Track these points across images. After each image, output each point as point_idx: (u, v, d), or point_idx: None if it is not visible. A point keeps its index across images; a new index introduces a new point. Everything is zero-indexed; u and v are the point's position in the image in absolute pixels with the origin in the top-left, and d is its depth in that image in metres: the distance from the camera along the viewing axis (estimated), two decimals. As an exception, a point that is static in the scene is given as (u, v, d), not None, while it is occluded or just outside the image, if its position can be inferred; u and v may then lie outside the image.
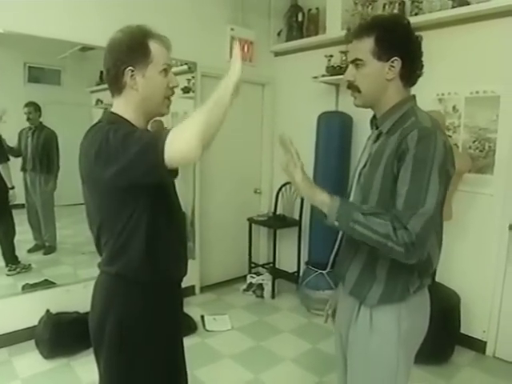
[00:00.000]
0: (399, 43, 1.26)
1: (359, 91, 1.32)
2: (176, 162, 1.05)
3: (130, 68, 1.21)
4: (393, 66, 1.26)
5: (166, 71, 1.27)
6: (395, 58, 1.25)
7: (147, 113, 1.30)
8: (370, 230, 1.16)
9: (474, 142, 2.94)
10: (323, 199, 1.24)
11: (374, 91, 1.31)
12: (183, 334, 1.55)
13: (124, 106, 1.26)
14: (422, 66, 1.31)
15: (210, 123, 1.05)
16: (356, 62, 1.30)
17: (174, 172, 1.11)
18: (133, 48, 1.21)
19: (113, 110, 1.28)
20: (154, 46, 1.23)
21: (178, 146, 1.03)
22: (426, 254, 1.20)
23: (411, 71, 1.29)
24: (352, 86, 1.34)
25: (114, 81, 1.25)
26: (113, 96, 1.29)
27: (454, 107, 3.01)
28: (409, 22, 1.29)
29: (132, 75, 1.22)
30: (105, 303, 1.28)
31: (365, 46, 1.27)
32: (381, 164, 1.25)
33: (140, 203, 1.22)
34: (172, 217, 1.36)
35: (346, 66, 3.69)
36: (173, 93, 1.32)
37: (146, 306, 1.27)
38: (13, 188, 3.20)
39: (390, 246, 1.14)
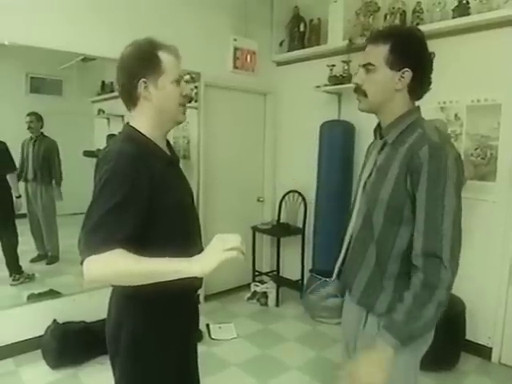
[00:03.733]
0: (413, 55, 1.27)
1: (365, 95, 1.33)
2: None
3: (143, 80, 1.23)
4: (403, 77, 1.27)
5: (178, 81, 1.29)
6: (407, 69, 1.26)
7: (163, 123, 1.31)
8: (416, 319, 1.18)
9: (476, 149, 2.97)
10: (388, 350, 1.20)
11: (381, 98, 1.32)
12: (196, 341, 1.56)
13: (140, 119, 1.28)
14: (430, 82, 1.33)
15: (120, 279, 1.10)
16: (368, 67, 1.31)
17: None
18: (144, 60, 1.23)
19: (130, 123, 1.30)
20: (163, 56, 1.25)
21: (86, 266, 1.06)
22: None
23: (420, 85, 1.31)
24: (359, 90, 1.35)
25: (128, 94, 1.27)
26: (129, 110, 1.31)
27: (455, 115, 3.06)
28: (424, 37, 1.30)
29: (145, 87, 1.23)
30: (120, 313, 1.29)
31: (379, 52, 1.28)
32: (388, 175, 1.26)
33: (155, 224, 1.21)
34: (190, 228, 1.38)
35: (349, 76, 3.72)
36: (186, 100, 1.34)
37: (161, 316, 1.28)
38: (20, 197, 3.21)
39: (439, 294, 1.17)
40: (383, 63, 1.28)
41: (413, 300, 1.18)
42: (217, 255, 1.04)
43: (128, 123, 1.30)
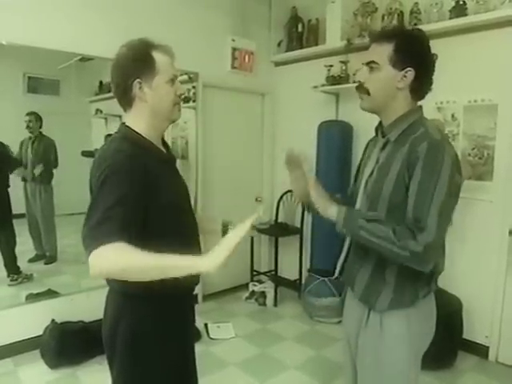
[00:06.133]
0: (416, 55, 1.29)
1: (368, 93, 1.34)
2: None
3: (137, 80, 1.23)
4: (405, 76, 1.29)
5: (172, 80, 1.30)
6: (409, 68, 1.27)
7: (158, 122, 1.32)
8: (373, 235, 1.22)
9: (473, 149, 2.98)
10: (332, 212, 1.32)
11: (383, 96, 1.33)
12: (194, 340, 1.57)
13: (136, 119, 1.29)
14: (432, 83, 1.34)
15: (129, 271, 1.05)
16: (371, 65, 1.32)
17: None
18: (138, 60, 1.24)
19: (126, 123, 1.31)
20: (158, 56, 1.26)
21: (92, 260, 1.03)
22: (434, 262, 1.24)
23: (421, 85, 1.32)
24: (361, 88, 1.36)
25: (123, 95, 1.27)
26: (125, 110, 1.32)
27: (452, 115, 3.07)
28: (427, 38, 1.32)
29: (140, 87, 1.24)
30: (117, 312, 1.30)
31: (383, 51, 1.29)
32: (390, 173, 1.28)
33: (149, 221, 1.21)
34: (187, 228, 1.39)
35: (347, 76, 3.73)
36: (181, 100, 1.35)
37: (158, 314, 1.29)
38: None
39: (396, 252, 1.19)
40: (387, 62, 1.29)
41: (389, 230, 1.20)
42: (222, 252, 1.03)
43: (124, 123, 1.31)
